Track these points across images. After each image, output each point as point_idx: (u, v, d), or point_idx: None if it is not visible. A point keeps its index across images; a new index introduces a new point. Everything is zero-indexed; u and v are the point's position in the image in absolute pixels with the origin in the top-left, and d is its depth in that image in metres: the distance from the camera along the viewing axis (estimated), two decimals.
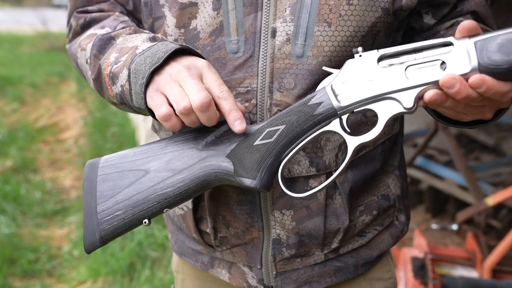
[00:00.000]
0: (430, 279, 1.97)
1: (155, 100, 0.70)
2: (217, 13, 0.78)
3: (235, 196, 0.83)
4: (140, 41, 0.78)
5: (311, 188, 0.81)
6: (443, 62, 0.62)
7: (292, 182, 0.81)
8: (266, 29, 0.77)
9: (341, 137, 0.70)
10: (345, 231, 0.86)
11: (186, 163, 0.73)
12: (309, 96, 0.70)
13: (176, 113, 0.69)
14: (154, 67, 0.70)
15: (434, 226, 2.52)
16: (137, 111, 0.78)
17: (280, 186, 0.72)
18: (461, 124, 0.75)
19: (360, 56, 0.67)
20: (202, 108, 0.68)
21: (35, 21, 9.96)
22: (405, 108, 0.64)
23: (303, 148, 0.75)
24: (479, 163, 3.31)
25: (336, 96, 0.67)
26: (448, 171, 3.15)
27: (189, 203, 0.89)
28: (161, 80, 0.71)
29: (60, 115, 5.59)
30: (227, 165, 0.72)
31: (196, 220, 0.89)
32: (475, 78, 0.60)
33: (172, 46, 0.72)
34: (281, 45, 0.77)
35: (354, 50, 0.69)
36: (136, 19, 0.93)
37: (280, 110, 0.77)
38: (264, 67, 0.77)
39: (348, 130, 0.69)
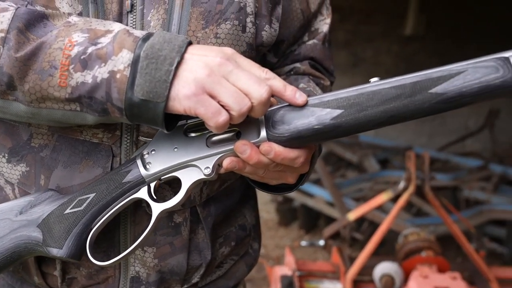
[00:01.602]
0: None
1: (208, 106, 0.61)
2: None
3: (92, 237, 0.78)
4: (119, 25, 0.66)
5: (175, 224, 0.80)
6: (239, 132, 0.67)
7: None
8: None
9: (193, 186, 0.70)
10: (207, 266, 0.86)
11: None
12: (121, 165, 0.71)
13: (235, 114, 0.61)
14: (181, 53, 0.61)
15: (303, 243, 2.65)
16: (100, 111, 0.65)
17: (146, 218, 0.72)
18: (270, 189, 0.78)
19: None
20: (266, 101, 0.62)
21: None
22: (205, 175, 0.68)
23: (168, 183, 0.75)
24: (344, 180, 3.57)
25: (145, 164, 0.69)
26: (317, 188, 3.35)
27: None
28: (202, 77, 0.61)
29: None
30: (37, 235, 0.70)
31: (39, 261, 0.82)
32: (264, 145, 0.66)
33: (183, 38, 0.64)
34: None
35: None
36: None
37: (145, 142, 0.75)
38: None
39: (155, 197, 0.70)
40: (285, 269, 2.27)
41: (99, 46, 0.63)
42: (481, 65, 0.61)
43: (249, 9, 0.77)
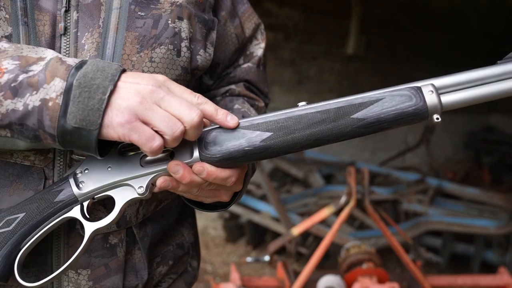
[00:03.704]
0: None
1: (142, 133, 0.62)
2: None
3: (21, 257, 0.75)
4: (52, 53, 0.65)
5: (111, 246, 0.80)
6: (172, 152, 0.69)
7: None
8: None
9: (126, 205, 0.70)
10: (144, 286, 0.85)
11: None
12: (53, 184, 0.70)
13: (168, 139, 0.63)
14: (114, 81, 0.62)
15: (249, 259, 2.66)
16: (32, 137, 0.64)
17: (80, 240, 0.71)
18: (205, 207, 0.80)
19: None
20: (198, 124, 0.64)
21: None
22: (138, 194, 0.69)
23: (102, 203, 0.74)
24: (290, 195, 3.63)
25: (78, 183, 0.69)
26: (263, 204, 3.38)
27: None
28: (134, 105, 0.62)
29: None
30: None
31: None
32: (196, 165, 0.68)
33: (117, 66, 0.64)
34: None
35: None
36: None
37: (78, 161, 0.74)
38: None
39: (88, 216, 0.70)
40: (231, 286, 2.27)
41: (30, 74, 0.63)
42: (397, 93, 0.66)
43: (183, 34, 0.79)
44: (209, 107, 0.68)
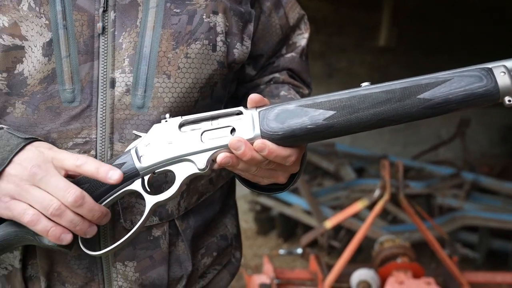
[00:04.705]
0: None
1: (14, 209, 0.66)
2: (48, 60, 0.73)
3: (74, 250, 0.77)
4: None
5: (154, 238, 0.81)
6: (233, 129, 0.69)
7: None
8: (105, 79, 0.75)
9: (187, 180, 0.71)
10: (189, 277, 0.86)
11: None
12: (115, 157, 0.72)
13: (48, 217, 0.65)
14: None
15: (281, 251, 2.66)
16: None
17: (125, 233, 0.71)
18: (261, 189, 0.80)
19: (166, 121, 0.71)
20: (77, 203, 0.65)
21: None
22: (199, 169, 0.69)
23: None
24: (321, 189, 3.61)
25: (139, 157, 0.70)
26: (295, 197, 3.37)
27: (15, 262, 0.81)
28: (11, 188, 0.65)
29: None
30: None
31: (26, 280, 0.81)
32: (258, 142, 0.67)
33: (16, 143, 0.67)
34: (121, 96, 0.75)
35: (162, 116, 0.73)
36: None
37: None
38: (104, 117, 0.75)
39: (148, 190, 0.71)
40: (264, 278, 2.28)
41: None
42: (466, 74, 0.64)
43: (219, 29, 0.79)
44: (89, 166, 0.68)
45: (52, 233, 0.66)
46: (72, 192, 0.65)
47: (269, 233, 3.68)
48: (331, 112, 0.66)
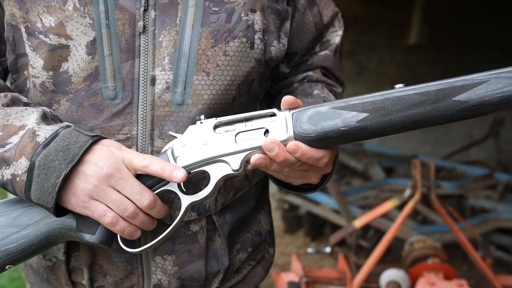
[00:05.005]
0: None
1: (94, 210, 0.69)
2: (92, 58, 0.76)
3: (114, 244, 0.80)
4: (33, 121, 0.72)
5: (192, 233, 0.83)
6: (267, 130, 0.70)
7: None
8: (145, 77, 0.77)
9: (221, 181, 0.73)
10: (225, 271, 0.88)
11: (33, 218, 0.73)
12: None
13: (124, 218, 0.70)
14: (71, 165, 0.68)
15: (310, 250, 2.66)
16: (22, 198, 0.73)
17: (164, 229, 0.74)
18: (294, 189, 0.81)
19: (201, 122, 0.73)
20: (150, 206, 0.69)
21: None
22: (233, 170, 0.70)
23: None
24: (350, 188, 3.58)
25: (175, 158, 0.72)
26: (323, 196, 3.36)
27: (59, 254, 0.84)
28: (90, 188, 0.69)
29: None
30: (71, 220, 0.73)
31: (69, 271, 0.85)
32: (291, 144, 0.69)
33: (84, 140, 0.70)
34: (161, 93, 0.77)
35: (197, 117, 0.75)
36: None
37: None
38: (144, 114, 0.77)
39: (184, 190, 0.73)
40: (292, 276, 2.28)
41: (7, 148, 0.71)
42: (504, 75, 0.63)
43: (257, 27, 0.80)
44: (155, 167, 0.70)
45: (127, 233, 0.71)
46: (147, 196, 0.69)
47: (296, 232, 3.67)
48: (364, 114, 0.66)
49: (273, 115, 0.71)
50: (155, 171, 0.70)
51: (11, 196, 0.80)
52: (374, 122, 0.66)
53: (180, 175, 0.69)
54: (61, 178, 0.68)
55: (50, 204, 0.69)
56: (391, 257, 3.13)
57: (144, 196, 0.69)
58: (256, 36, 0.80)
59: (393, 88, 0.68)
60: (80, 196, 0.69)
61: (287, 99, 0.71)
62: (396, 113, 0.65)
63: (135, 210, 0.70)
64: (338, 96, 0.96)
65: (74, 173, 0.69)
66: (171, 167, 0.70)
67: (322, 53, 0.95)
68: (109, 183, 0.69)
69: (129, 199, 0.70)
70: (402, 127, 0.66)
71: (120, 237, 0.73)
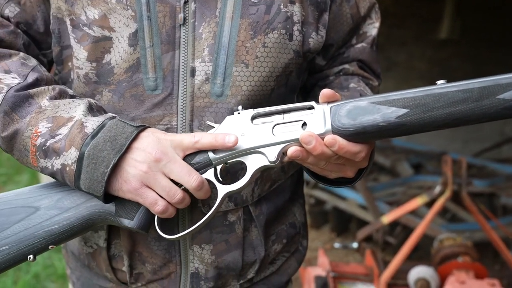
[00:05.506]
0: None
1: (146, 198, 0.71)
2: (133, 49, 0.78)
3: (153, 232, 0.82)
4: (80, 113, 0.74)
5: (229, 223, 0.84)
6: (304, 123, 0.70)
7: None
8: (185, 68, 0.78)
9: (258, 172, 0.74)
10: (261, 261, 0.90)
11: (74, 202, 0.75)
12: None
13: (172, 203, 0.72)
14: (119, 155, 0.70)
15: (336, 245, 2.65)
16: (70, 187, 0.76)
17: (202, 217, 0.75)
18: (328, 182, 0.82)
19: (239, 113, 0.74)
20: (199, 187, 0.71)
21: None
22: (269, 162, 0.71)
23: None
24: (377, 184, 3.54)
25: None
26: (350, 191, 3.33)
27: (100, 241, 0.87)
28: (141, 174, 0.70)
29: None
30: (110, 206, 0.74)
31: (110, 258, 0.87)
32: (329, 137, 0.69)
33: (130, 131, 0.71)
34: (201, 84, 0.79)
35: (234, 108, 0.76)
36: (38, 48, 0.86)
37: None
38: (184, 105, 0.79)
39: (220, 179, 0.74)
40: (319, 270, 2.28)
41: (56, 138, 0.73)
42: None
43: (295, 18, 0.80)
44: (206, 139, 0.71)
45: (173, 216, 0.73)
46: (195, 177, 0.70)
47: (322, 227, 3.65)
48: (404, 110, 0.65)
49: (311, 108, 0.71)
50: (207, 143, 0.71)
51: (45, 181, 0.83)
52: (414, 118, 0.65)
53: (232, 139, 0.70)
54: (110, 167, 0.69)
55: (100, 192, 0.71)
56: (419, 254, 3.09)
57: (193, 178, 0.70)
58: (295, 28, 0.80)
59: (434, 84, 0.67)
60: (132, 182, 0.71)
61: (325, 92, 0.71)
62: (437, 110, 0.65)
63: (183, 195, 0.71)
64: (374, 90, 0.95)
65: (123, 161, 0.71)
66: (222, 135, 0.71)
67: (359, 45, 0.94)
68: (158, 168, 0.70)
69: (177, 182, 0.71)
70: (442, 124, 0.65)
71: (158, 223, 0.75)
